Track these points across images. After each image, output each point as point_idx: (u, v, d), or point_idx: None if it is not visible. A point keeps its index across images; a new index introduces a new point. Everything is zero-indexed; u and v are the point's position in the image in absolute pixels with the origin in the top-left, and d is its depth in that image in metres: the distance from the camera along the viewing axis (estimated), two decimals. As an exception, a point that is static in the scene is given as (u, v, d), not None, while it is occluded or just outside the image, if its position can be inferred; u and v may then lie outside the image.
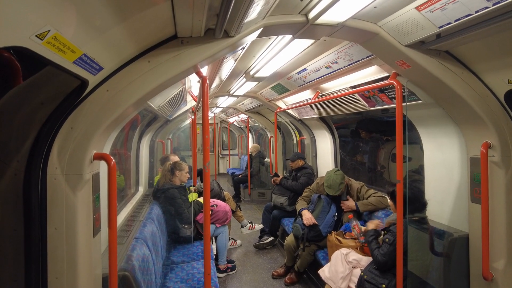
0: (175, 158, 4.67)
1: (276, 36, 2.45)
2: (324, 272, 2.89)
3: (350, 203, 3.70)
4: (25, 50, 0.98)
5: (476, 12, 1.53)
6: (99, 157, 1.73)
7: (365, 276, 2.55)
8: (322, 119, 5.01)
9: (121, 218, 3.17)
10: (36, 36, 0.98)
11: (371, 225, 2.89)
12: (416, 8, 1.71)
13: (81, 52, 1.26)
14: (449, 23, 1.69)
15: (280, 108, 5.48)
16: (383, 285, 2.44)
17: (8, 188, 1.51)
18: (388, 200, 3.00)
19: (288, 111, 5.40)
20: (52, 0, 0.98)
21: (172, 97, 3.51)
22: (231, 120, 11.19)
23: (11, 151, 1.51)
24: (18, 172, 1.52)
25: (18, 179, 1.52)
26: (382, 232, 2.70)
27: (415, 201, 2.46)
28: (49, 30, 1.01)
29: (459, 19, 1.63)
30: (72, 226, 1.62)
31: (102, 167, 1.91)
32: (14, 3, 0.86)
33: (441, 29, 1.76)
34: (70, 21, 1.11)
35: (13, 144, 1.51)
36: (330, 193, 3.70)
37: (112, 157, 1.74)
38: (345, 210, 3.73)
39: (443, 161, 2.67)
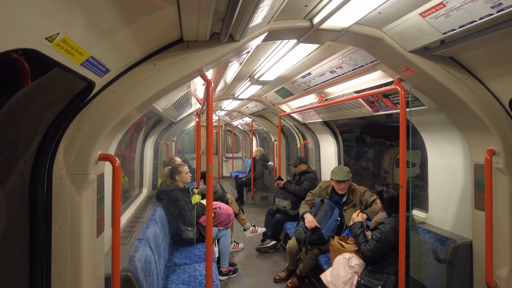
0: (178, 160, 4.70)
1: (281, 41, 2.47)
2: (326, 276, 2.88)
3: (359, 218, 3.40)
4: (35, 52, 1.00)
5: (481, 19, 1.53)
6: (104, 158, 1.75)
7: (362, 281, 2.59)
8: (326, 123, 5.01)
9: (124, 219, 3.18)
10: (45, 39, 1.00)
11: (357, 217, 2.98)
12: (421, 14, 1.72)
13: (89, 54, 1.28)
14: (453, 30, 1.69)
15: (284, 111, 5.48)
16: (379, 287, 2.47)
17: (14, 187, 1.52)
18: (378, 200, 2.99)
19: (292, 115, 5.40)
20: (61, 3, 1.00)
21: (177, 99, 3.54)
22: (235, 123, 11.22)
23: (18, 151, 1.53)
24: (24, 172, 1.54)
25: (24, 178, 1.54)
26: (370, 232, 2.74)
27: (396, 202, 2.45)
28: (58, 33, 1.04)
29: (463, 26, 1.63)
30: (77, 226, 1.64)
31: (107, 168, 1.93)
32: (25, 7, 0.88)
33: (445, 35, 1.76)
34: (79, 24, 1.13)
35: (20, 144, 1.54)
36: (337, 178, 3.70)
37: (117, 158, 1.76)
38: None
39: (446, 167, 2.66)
